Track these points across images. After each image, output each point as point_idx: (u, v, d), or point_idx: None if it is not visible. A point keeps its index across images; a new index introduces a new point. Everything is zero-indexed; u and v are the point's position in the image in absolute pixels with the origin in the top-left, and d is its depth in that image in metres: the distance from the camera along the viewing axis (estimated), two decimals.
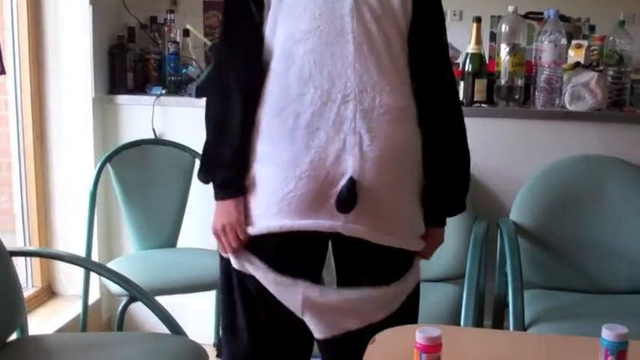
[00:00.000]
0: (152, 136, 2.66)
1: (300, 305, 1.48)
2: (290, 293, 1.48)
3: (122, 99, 2.69)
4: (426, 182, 1.51)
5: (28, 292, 2.65)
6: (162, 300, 1.90)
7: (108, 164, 2.50)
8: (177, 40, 2.73)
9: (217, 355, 2.57)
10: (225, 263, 1.56)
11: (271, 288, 1.48)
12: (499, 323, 2.28)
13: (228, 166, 1.48)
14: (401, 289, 1.52)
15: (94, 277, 2.52)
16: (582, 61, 2.47)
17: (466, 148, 1.56)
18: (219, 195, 1.52)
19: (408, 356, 1.19)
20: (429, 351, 1.17)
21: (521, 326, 1.99)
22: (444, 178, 1.53)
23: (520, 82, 2.44)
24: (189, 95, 2.61)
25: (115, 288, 2.08)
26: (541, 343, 1.43)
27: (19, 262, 2.49)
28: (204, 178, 1.55)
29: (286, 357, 1.58)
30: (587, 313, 2.12)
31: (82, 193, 2.57)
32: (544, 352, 1.33)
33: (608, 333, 1.20)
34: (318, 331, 1.52)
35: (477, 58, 2.44)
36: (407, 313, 1.54)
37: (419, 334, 1.18)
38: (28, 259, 2.68)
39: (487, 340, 1.42)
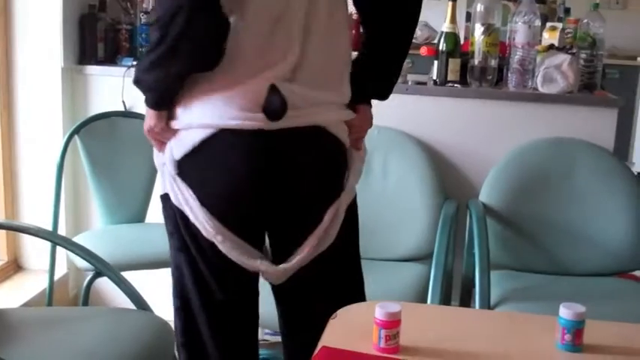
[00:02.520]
0: (122, 109, 2.61)
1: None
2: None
3: (92, 69, 2.65)
4: (363, 52, 1.48)
5: None
6: (130, 275, 1.88)
7: (76, 136, 2.46)
8: (150, 10, 2.68)
9: None
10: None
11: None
12: (466, 303, 2.30)
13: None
14: (337, 208, 1.47)
15: (61, 251, 2.49)
16: (556, 44, 2.48)
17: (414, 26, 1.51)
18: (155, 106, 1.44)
19: (369, 331, 1.19)
20: (387, 327, 1.17)
21: (487, 306, 2.01)
22: (386, 47, 1.48)
23: (493, 62, 2.43)
24: None
25: (80, 262, 2.06)
26: (501, 320, 1.44)
27: None
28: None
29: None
30: (551, 294, 2.14)
31: (50, 165, 2.53)
32: (503, 329, 1.34)
33: (565, 312, 1.21)
34: (272, 280, 1.50)
35: (451, 37, 2.43)
36: (349, 221, 1.51)
37: (378, 309, 1.18)
38: None
39: (448, 316, 1.43)
